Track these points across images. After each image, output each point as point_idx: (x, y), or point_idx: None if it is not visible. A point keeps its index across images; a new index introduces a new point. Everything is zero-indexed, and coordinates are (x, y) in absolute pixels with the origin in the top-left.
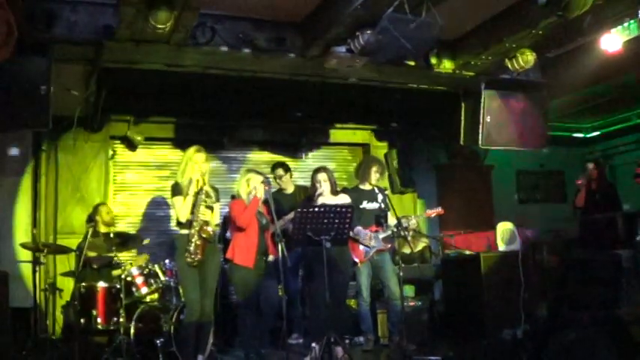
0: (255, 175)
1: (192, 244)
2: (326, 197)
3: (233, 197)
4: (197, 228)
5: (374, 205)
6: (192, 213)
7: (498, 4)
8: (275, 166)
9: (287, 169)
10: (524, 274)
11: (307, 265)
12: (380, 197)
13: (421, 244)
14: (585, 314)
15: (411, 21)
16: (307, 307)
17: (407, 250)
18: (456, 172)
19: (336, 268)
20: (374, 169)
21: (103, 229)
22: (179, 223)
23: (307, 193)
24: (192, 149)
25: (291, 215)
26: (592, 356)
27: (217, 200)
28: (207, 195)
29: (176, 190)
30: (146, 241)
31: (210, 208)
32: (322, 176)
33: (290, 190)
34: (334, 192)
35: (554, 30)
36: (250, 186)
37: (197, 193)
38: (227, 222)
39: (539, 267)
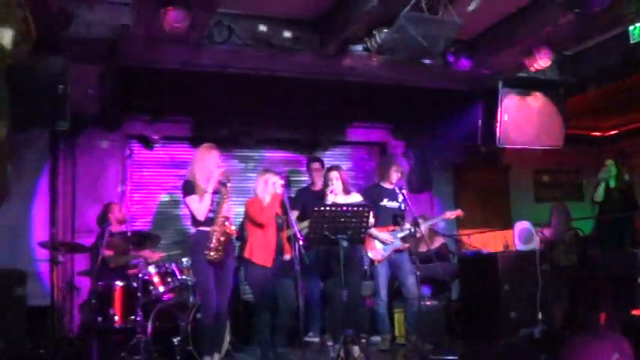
0: (273, 175)
1: (214, 241)
2: (337, 196)
3: None
4: (220, 224)
5: (394, 204)
6: (211, 210)
7: (516, 2)
8: (311, 159)
9: (323, 164)
10: (541, 273)
11: (323, 264)
12: (400, 197)
13: (437, 242)
14: (602, 314)
15: (428, 20)
16: (324, 306)
17: (424, 249)
18: (473, 171)
19: (349, 267)
20: (394, 168)
21: (116, 227)
22: (196, 222)
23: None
24: (204, 147)
25: (306, 223)
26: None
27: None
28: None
29: (189, 188)
30: None
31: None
32: (334, 174)
33: (319, 186)
34: (346, 191)
35: (571, 27)
36: (269, 184)
37: (219, 190)
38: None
39: (557, 266)
